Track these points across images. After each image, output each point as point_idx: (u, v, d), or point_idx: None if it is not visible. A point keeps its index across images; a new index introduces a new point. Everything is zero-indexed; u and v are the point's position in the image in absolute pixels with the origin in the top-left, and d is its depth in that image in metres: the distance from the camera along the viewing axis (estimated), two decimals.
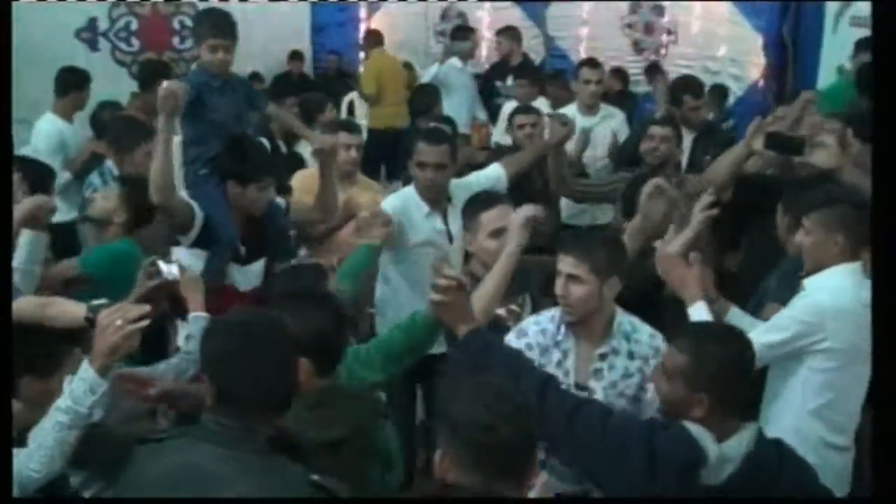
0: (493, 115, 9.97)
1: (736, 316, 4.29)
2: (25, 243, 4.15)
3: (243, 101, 5.39)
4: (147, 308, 3.04)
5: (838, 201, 4.16)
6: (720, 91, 10.27)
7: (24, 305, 3.74)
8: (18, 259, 4.11)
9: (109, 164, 6.53)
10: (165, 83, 4.77)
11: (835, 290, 3.83)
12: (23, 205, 4.34)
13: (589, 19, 12.47)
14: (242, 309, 3.89)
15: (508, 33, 11.16)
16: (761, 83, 11.16)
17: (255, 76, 11.37)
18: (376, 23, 13.19)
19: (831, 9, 10.66)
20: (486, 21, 12.72)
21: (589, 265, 3.80)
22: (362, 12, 13.54)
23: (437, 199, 5.42)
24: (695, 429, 3.19)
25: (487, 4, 13.05)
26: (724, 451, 3.19)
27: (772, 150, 5.22)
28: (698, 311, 4.02)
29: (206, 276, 4.50)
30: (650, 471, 3.19)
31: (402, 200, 5.35)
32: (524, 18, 12.46)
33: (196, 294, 4.20)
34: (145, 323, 2.99)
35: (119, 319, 2.91)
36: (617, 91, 10.59)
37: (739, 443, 3.20)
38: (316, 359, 3.19)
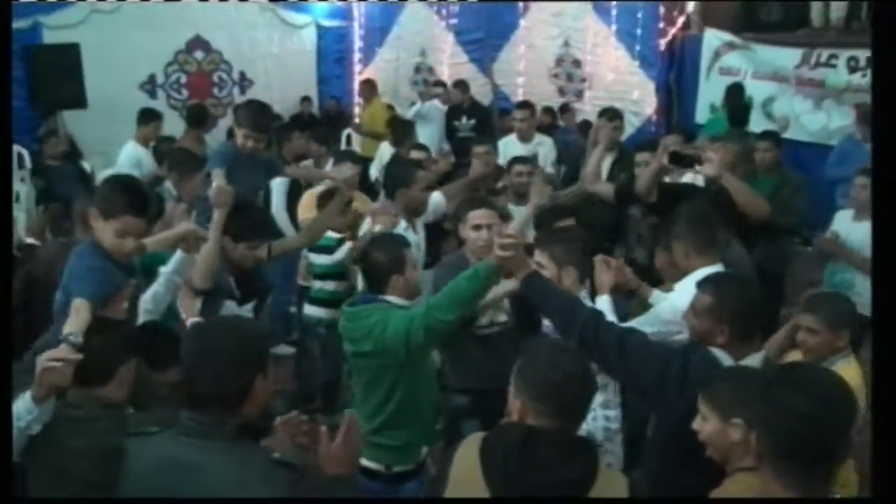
0: (454, 145, 10.14)
1: (657, 297, 4.25)
2: (177, 259, 3.89)
3: (263, 173, 5.31)
4: (78, 356, 2.70)
5: (695, 214, 4.17)
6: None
7: None
8: (167, 267, 3.89)
9: (168, 184, 6.66)
10: (216, 185, 4.51)
11: (690, 294, 3.56)
12: (178, 228, 4.19)
13: (525, 71, 12.52)
14: (212, 320, 3.63)
15: (461, 86, 11.23)
16: (654, 118, 11.17)
17: (276, 117, 10.99)
18: (366, 75, 13.12)
19: (704, 62, 10.89)
20: (447, 73, 12.67)
21: (548, 255, 3.89)
22: (356, 68, 13.51)
23: (417, 214, 5.45)
24: (718, 352, 3.22)
25: (447, 61, 13.03)
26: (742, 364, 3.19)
27: (673, 164, 5.23)
28: (602, 302, 3.92)
29: (203, 316, 4.13)
30: (683, 382, 3.11)
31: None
32: (476, 71, 12.55)
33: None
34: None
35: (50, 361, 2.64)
36: (547, 124, 10.65)
37: (752, 362, 3.21)
38: None
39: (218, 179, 4.62)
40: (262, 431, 2.77)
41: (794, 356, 3.81)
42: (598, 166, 6.07)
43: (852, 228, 5.63)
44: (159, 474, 2.44)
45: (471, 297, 3.46)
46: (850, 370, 3.66)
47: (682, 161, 5.22)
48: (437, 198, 5.70)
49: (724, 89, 9.50)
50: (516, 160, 6.45)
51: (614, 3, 11.33)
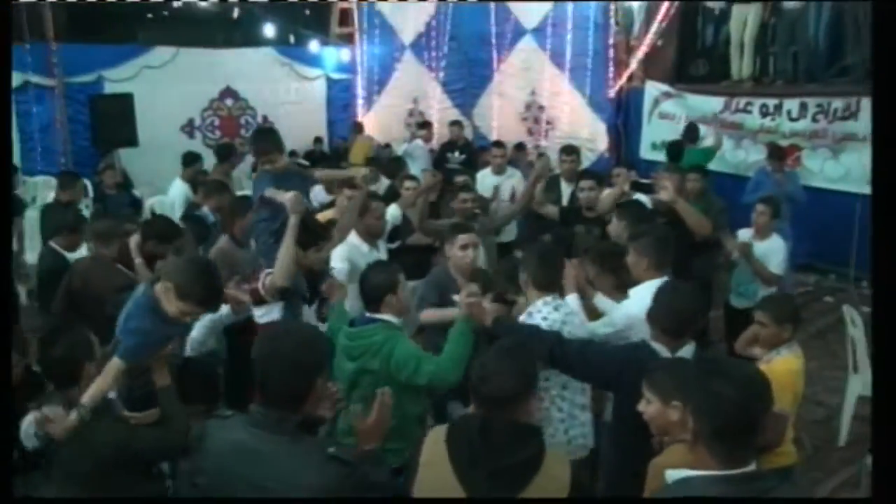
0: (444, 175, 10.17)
1: (600, 301, 4.19)
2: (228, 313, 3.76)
3: (300, 182, 4.93)
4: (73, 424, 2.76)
5: (647, 234, 4.10)
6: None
7: None
8: (217, 315, 3.74)
9: (205, 209, 6.68)
10: (290, 194, 4.25)
11: (642, 301, 3.51)
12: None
13: (499, 115, 12.58)
14: (280, 326, 3.52)
15: (457, 125, 11.30)
16: (606, 154, 11.20)
17: (293, 153, 11.48)
18: (368, 119, 13.35)
19: (646, 108, 11.00)
20: (435, 117, 12.69)
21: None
22: (359, 113, 13.64)
23: (377, 237, 5.33)
24: (655, 344, 3.24)
25: (436, 106, 13.06)
26: (678, 356, 3.19)
27: (634, 191, 5.26)
28: (572, 300, 3.86)
29: (285, 315, 4.00)
30: (637, 372, 2.98)
31: (346, 249, 4.99)
32: (459, 115, 12.54)
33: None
34: None
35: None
36: (517, 159, 10.59)
37: (686, 352, 3.21)
38: None
39: (279, 195, 4.43)
40: (320, 422, 2.71)
41: (787, 356, 3.75)
42: (534, 191, 6.04)
43: (753, 246, 5.66)
44: (229, 456, 2.39)
45: (468, 352, 3.42)
46: (793, 358, 3.72)
47: (641, 188, 5.31)
48: (392, 210, 5.71)
49: (667, 144, 9.54)
50: (462, 188, 6.38)
51: (568, 59, 11.43)
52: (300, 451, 2.36)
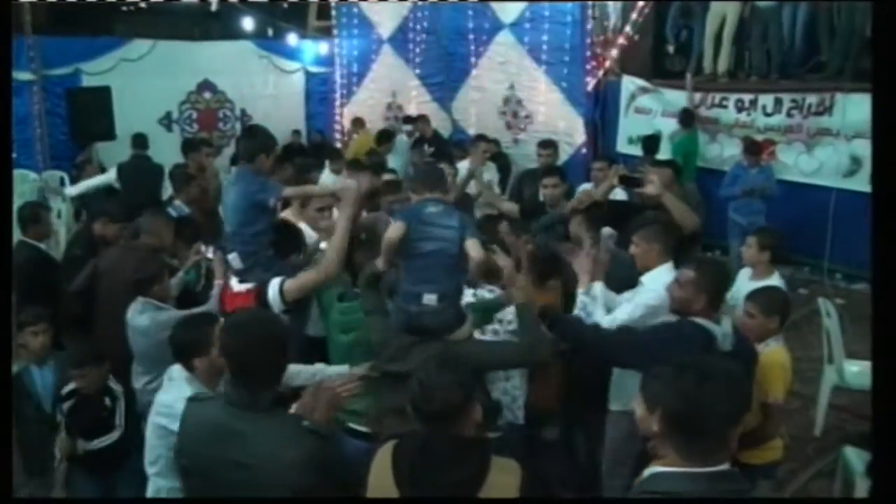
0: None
1: (598, 289, 4.13)
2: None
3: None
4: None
5: (652, 222, 4.23)
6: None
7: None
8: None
9: (178, 202, 6.90)
10: (345, 181, 4.40)
11: (660, 287, 3.61)
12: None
13: (478, 109, 12.54)
14: (247, 311, 3.48)
15: (423, 120, 11.43)
16: (583, 149, 11.15)
17: None
18: (348, 111, 13.36)
19: (623, 103, 11.00)
20: (414, 111, 12.67)
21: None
22: (337, 106, 13.67)
23: None
24: (699, 319, 3.30)
25: (414, 100, 13.03)
26: (724, 328, 3.31)
27: (622, 185, 5.26)
28: (598, 287, 4.00)
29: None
30: (685, 346, 3.14)
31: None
32: (438, 109, 12.61)
33: None
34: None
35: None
36: (494, 153, 10.34)
37: (726, 324, 3.33)
38: None
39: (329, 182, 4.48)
40: (292, 399, 2.75)
41: (774, 347, 3.78)
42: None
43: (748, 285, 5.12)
44: (208, 436, 2.45)
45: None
46: (779, 350, 3.77)
47: (629, 182, 5.26)
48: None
49: (643, 138, 9.67)
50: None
51: (546, 53, 11.40)
52: (276, 425, 2.42)
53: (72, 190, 8.70)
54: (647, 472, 2.12)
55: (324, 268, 3.87)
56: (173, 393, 3.12)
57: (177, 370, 3.27)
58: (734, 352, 3.25)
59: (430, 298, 3.36)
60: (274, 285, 3.83)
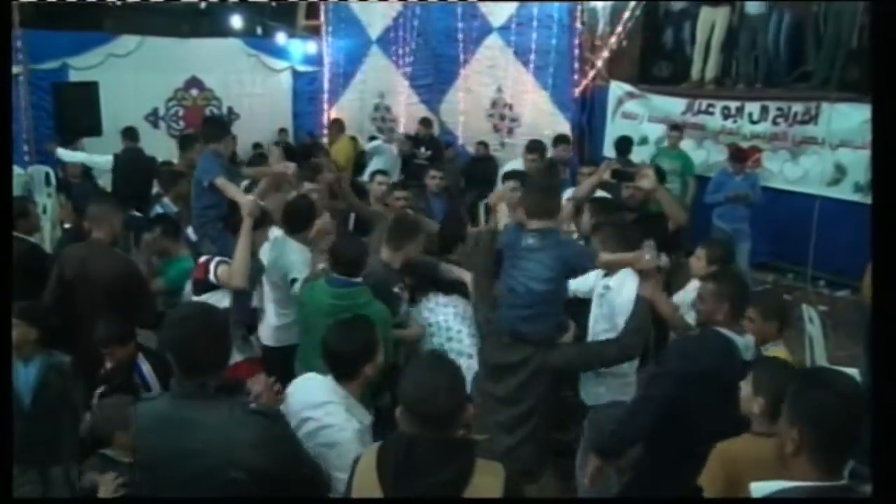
0: (412, 169, 10.27)
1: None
2: None
3: (236, 176, 5.26)
4: None
5: (616, 225, 4.35)
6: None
7: None
8: None
9: (166, 200, 6.77)
10: (247, 198, 4.50)
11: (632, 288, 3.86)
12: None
13: (466, 111, 12.49)
14: (185, 304, 3.76)
15: (425, 122, 11.54)
16: (570, 152, 10.52)
17: (258, 145, 11.46)
18: (334, 113, 13.30)
19: (610, 108, 11.02)
20: (403, 111, 12.78)
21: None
22: (325, 106, 13.62)
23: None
24: (723, 329, 3.43)
25: (403, 101, 13.02)
26: (746, 340, 3.47)
27: (614, 179, 5.24)
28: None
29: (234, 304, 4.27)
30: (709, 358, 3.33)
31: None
32: (426, 110, 12.56)
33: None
34: None
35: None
36: (482, 154, 10.91)
37: (748, 335, 3.48)
38: None
39: (231, 190, 4.82)
40: (237, 389, 2.77)
41: (774, 351, 3.76)
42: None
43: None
44: (158, 430, 2.52)
45: None
46: (781, 354, 3.71)
47: (622, 176, 5.27)
48: None
49: (616, 140, 9.64)
50: (377, 173, 6.88)
51: (534, 57, 11.39)
52: (223, 410, 2.46)
53: (64, 154, 8.66)
54: (769, 487, 2.09)
55: (228, 278, 4.22)
56: None
57: None
58: (755, 362, 3.32)
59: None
60: (211, 266, 4.29)
